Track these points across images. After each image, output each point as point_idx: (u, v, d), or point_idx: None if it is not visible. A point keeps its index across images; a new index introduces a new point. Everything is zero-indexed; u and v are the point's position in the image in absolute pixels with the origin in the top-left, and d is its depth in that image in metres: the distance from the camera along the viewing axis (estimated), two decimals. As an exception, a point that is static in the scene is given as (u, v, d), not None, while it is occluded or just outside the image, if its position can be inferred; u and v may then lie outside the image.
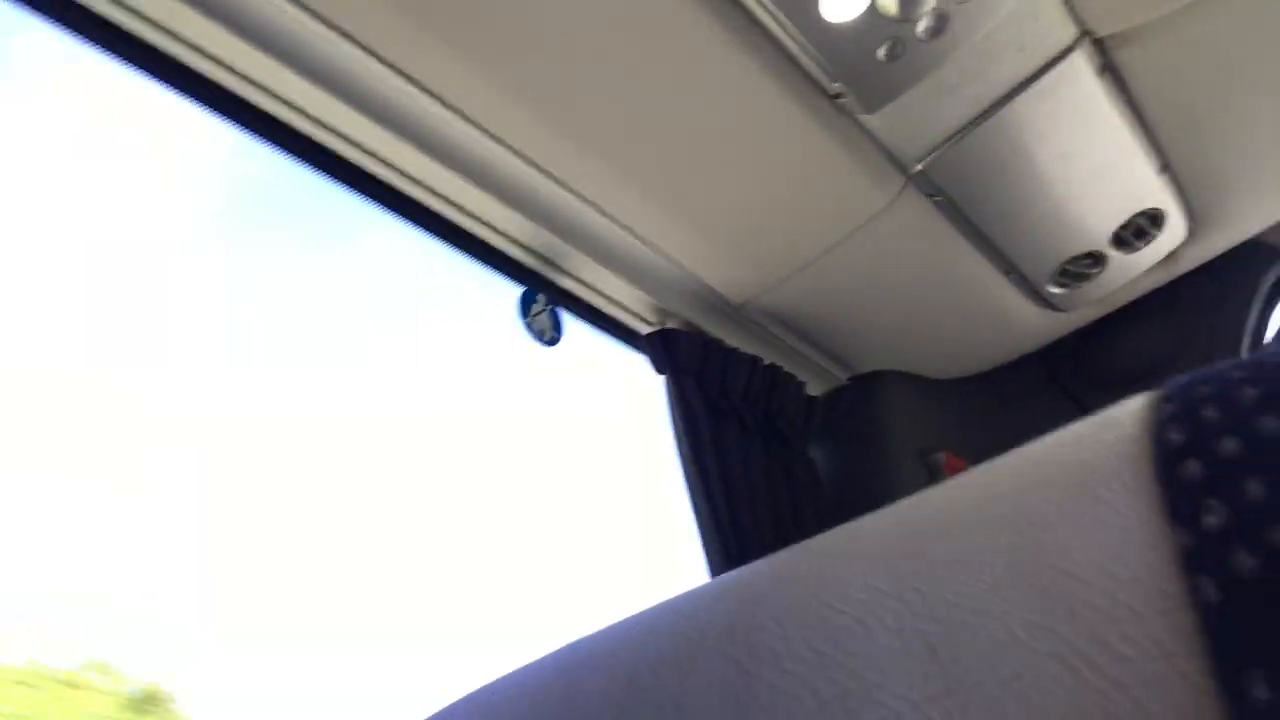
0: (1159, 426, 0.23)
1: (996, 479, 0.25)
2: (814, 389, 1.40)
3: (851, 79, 0.92)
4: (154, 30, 0.85)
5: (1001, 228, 1.15)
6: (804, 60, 0.91)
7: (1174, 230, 1.22)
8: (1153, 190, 1.15)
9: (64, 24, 0.83)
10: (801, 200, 1.07)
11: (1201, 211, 1.23)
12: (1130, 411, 0.24)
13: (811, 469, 1.31)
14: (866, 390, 1.41)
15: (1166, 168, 1.14)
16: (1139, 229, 1.21)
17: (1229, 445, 0.21)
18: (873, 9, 0.85)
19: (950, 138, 1.02)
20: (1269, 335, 1.54)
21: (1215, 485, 0.20)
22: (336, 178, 1.01)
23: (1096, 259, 1.23)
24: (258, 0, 0.82)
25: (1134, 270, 1.26)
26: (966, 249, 1.18)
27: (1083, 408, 1.50)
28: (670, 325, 1.23)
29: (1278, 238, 1.47)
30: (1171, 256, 1.29)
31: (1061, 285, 1.26)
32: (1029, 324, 1.35)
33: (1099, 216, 1.16)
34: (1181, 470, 0.21)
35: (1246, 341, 1.51)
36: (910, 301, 1.27)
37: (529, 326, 1.10)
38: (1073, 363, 1.51)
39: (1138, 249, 1.22)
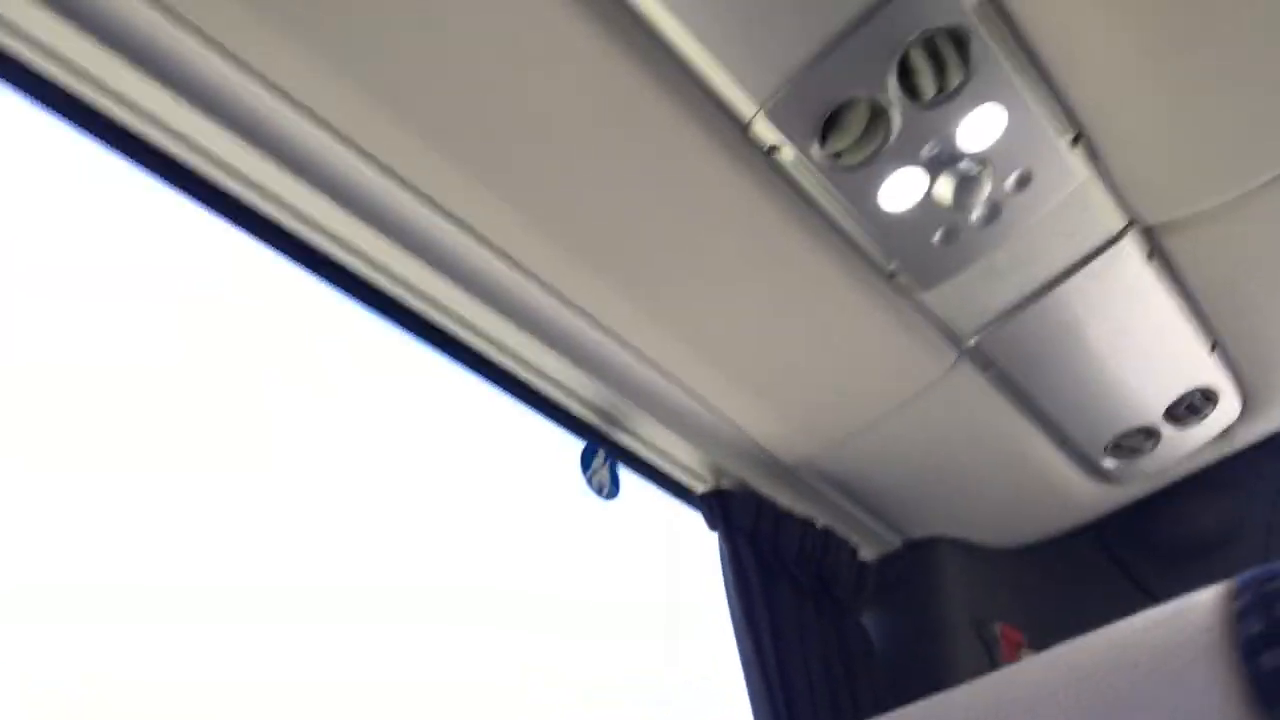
0: (1236, 618, 0.26)
1: (1080, 659, 0.29)
2: (868, 553, 1.42)
3: (907, 260, 0.99)
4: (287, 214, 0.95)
5: (1054, 402, 1.19)
6: (862, 242, 0.98)
7: (1227, 408, 1.26)
8: (1204, 369, 1.19)
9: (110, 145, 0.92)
10: (857, 369, 1.13)
11: (1254, 390, 1.26)
12: (1205, 601, 0.28)
13: (864, 634, 1.32)
14: (920, 557, 1.42)
15: (1217, 347, 1.19)
16: (1192, 406, 1.24)
17: None
18: (928, 199, 0.92)
19: (1003, 315, 1.08)
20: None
21: None
22: (416, 334, 1.08)
23: (1150, 434, 1.26)
24: (362, 178, 0.91)
25: (1188, 446, 1.29)
26: (1020, 421, 1.22)
27: (1135, 581, 1.50)
28: (725, 484, 1.27)
29: (1335, 417, 1.49)
30: (1226, 434, 1.32)
31: (1115, 459, 1.29)
32: (1083, 496, 1.37)
33: (1151, 393, 1.20)
34: (1261, 661, 0.25)
35: (1307, 521, 1.52)
36: (964, 470, 1.31)
37: (589, 481, 1.15)
38: (1126, 535, 1.51)
39: (1191, 425, 1.26)
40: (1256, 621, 0.26)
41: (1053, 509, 1.40)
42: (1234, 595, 0.27)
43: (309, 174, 0.92)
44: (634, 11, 0.81)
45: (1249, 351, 1.20)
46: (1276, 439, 1.41)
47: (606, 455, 1.18)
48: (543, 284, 1.02)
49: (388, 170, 0.90)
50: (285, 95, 0.84)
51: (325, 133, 0.87)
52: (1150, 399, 1.21)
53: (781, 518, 1.26)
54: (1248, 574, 0.27)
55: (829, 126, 0.87)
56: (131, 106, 0.86)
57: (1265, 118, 0.92)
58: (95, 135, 0.88)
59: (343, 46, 0.80)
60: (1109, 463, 1.30)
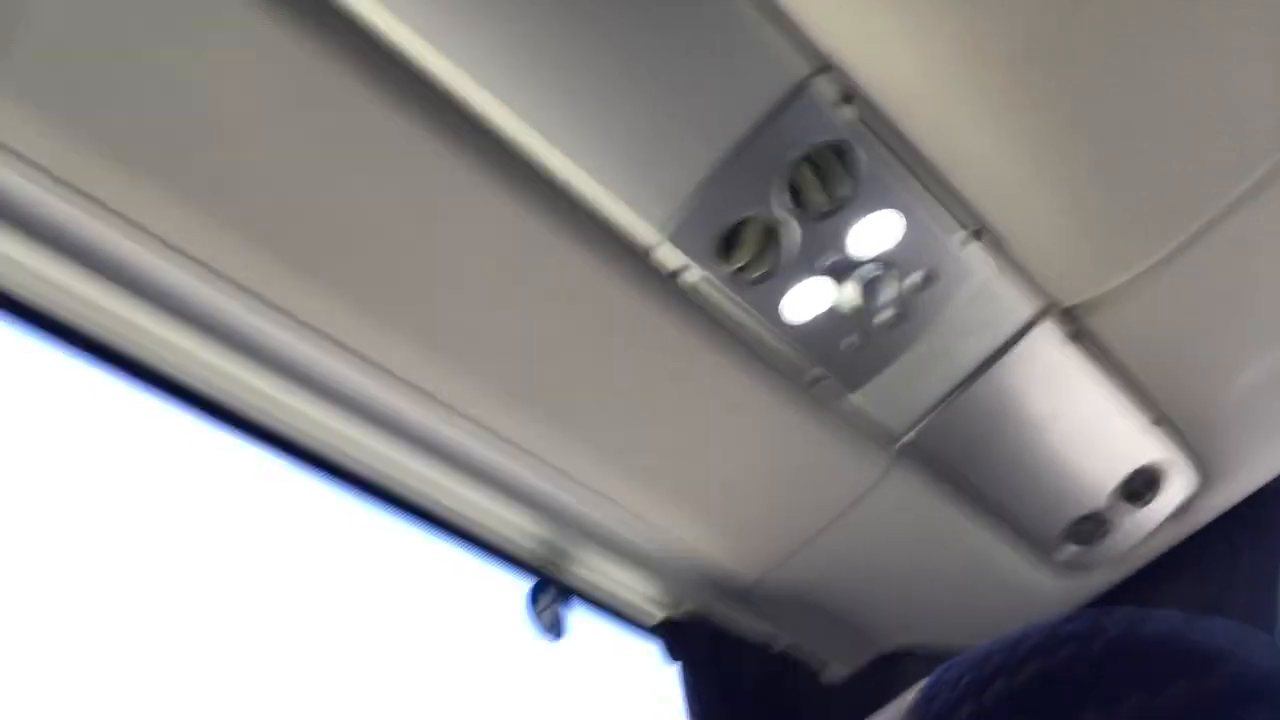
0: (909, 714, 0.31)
1: None
2: (840, 670, 1.41)
3: (827, 365, 1.03)
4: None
5: (999, 493, 1.21)
6: (779, 353, 1.02)
7: (1181, 483, 1.28)
8: (1149, 445, 1.22)
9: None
10: (794, 480, 1.15)
11: (1209, 461, 1.29)
12: (903, 700, 0.32)
13: (841, 759, 1.30)
14: (891, 670, 1.42)
15: (1161, 420, 1.22)
16: (1144, 484, 1.27)
17: None
18: (834, 306, 0.96)
19: (931, 410, 1.11)
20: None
21: None
22: (344, 485, 1.10)
23: (1103, 518, 1.28)
24: (232, 310, 0.93)
25: (1146, 526, 1.31)
26: (968, 517, 1.24)
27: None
28: (681, 613, 1.27)
29: (1301, 480, 1.52)
30: (1186, 509, 1.34)
31: (1073, 547, 1.31)
32: (1049, 590, 1.38)
33: (1097, 475, 1.23)
34: None
35: (1287, 591, 1.53)
36: (922, 573, 1.32)
37: (537, 621, 1.15)
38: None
39: (1145, 505, 1.28)
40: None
41: (1020, 606, 1.40)
42: (910, 716, 0.32)
43: (233, 338, 0.96)
44: (526, 157, 0.86)
45: (1194, 422, 1.23)
46: (1246, 510, 1.43)
47: (555, 593, 1.19)
48: (473, 422, 1.05)
49: (298, 320, 0.94)
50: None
51: (240, 294, 0.90)
52: (1098, 481, 1.23)
53: (742, 643, 1.26)
54: (929, 681, 0.32)
55: (729, 244, 0.92)
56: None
57: (1157, 192, 0.98)
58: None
59: (240, 206, 0.85)
60: (1068, 552, 1.31)
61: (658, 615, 1.28)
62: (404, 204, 0.87)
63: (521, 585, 1.18)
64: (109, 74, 0.76)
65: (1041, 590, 1.39)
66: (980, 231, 0.99)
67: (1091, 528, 1.30)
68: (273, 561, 1.19)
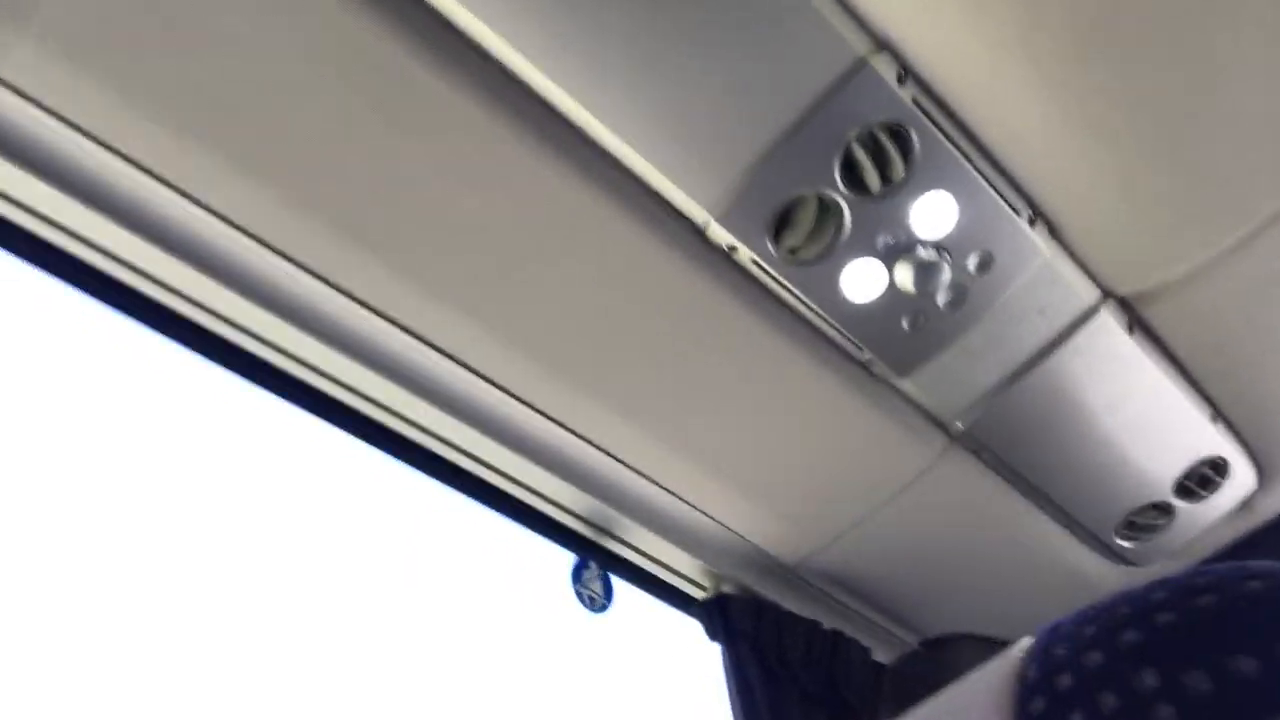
0: (1023, 698, 0.31)
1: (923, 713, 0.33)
2: (882, 655, 1.43)
3: (880, 349, 1.04)
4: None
5: (1054, 481, 1.21)
6: (833, 334, 1.03)
7: (1241, 478, 1.27)
8: (1208, 439, 1.21)
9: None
10: (846, 462, 1.16)
11: (1269, 458, 1.28)
12: (997, 675, 0.32)
13: (884, 742, 1.32)
14: (939, 657, 1.42)
15: (1219, 415, 1.21)
16: (1204, 478, 1.26)
17: (1064, 680, 0.29)
18: (890, 287, 0.97)
19: (987, 397, 1.11)
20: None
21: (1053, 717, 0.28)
22: (404, 459, 1.13)
23: (1163, 510, 1.28)
24: (315, 298, 0.97)
25: (1205, 520, 1.30)
26: (1022, 504, 1.24)
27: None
28: (725, 590, 1.29)
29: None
30: (1246, 505, 1.33)
31: (1130, 539, 1.30)
32: (1103, 580, 1.38)
33: (1156, 467, 1.22)
34: (1032, 706, 0.29)
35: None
36: (973, 560, 1.32)
37: (580, 594, 1.18)
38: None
39: (1205, 499, 1.27)
40: (1040, 699, 0.29)
41: (1073, 596, 1.40)
42: (1022, 669, 0.31)
43: (297, 316, 0.99)
44: (585, 136, 0.88)
45: (1254, 418, 1.22)
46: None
47: (599, 566, 1.21)
48: (524, 402, 1.07)
49: (368, 305, 0.97)
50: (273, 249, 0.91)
51: (304, 275, 0.94)
52: (1155, 473, 1.23)
53: (785, 621, 1.27)
54: (1040, 635, 0.31)
55: (783, 224, 0.94)
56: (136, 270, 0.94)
57: (1219, 183, 0.97)
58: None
59: (313, 187, 0.88)
60: (1124, 543, 1.31)
61: (702, 592, 1.30)
62: (458, 179, 0.89)
63: (567, 559, 1.21)
64: (147, 33, 0.78)
65: (1098, 581, 1.38)
66: (1036, 217, 0.99)
67: (1150, 520, 1.30)
68: (328, 530, 1.23)
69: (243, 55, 0.80)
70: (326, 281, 0.95)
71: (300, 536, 1.22)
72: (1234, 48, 0.85)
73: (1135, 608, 0.32)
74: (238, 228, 0.89)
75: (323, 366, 1.04)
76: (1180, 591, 0.32)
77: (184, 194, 0.86)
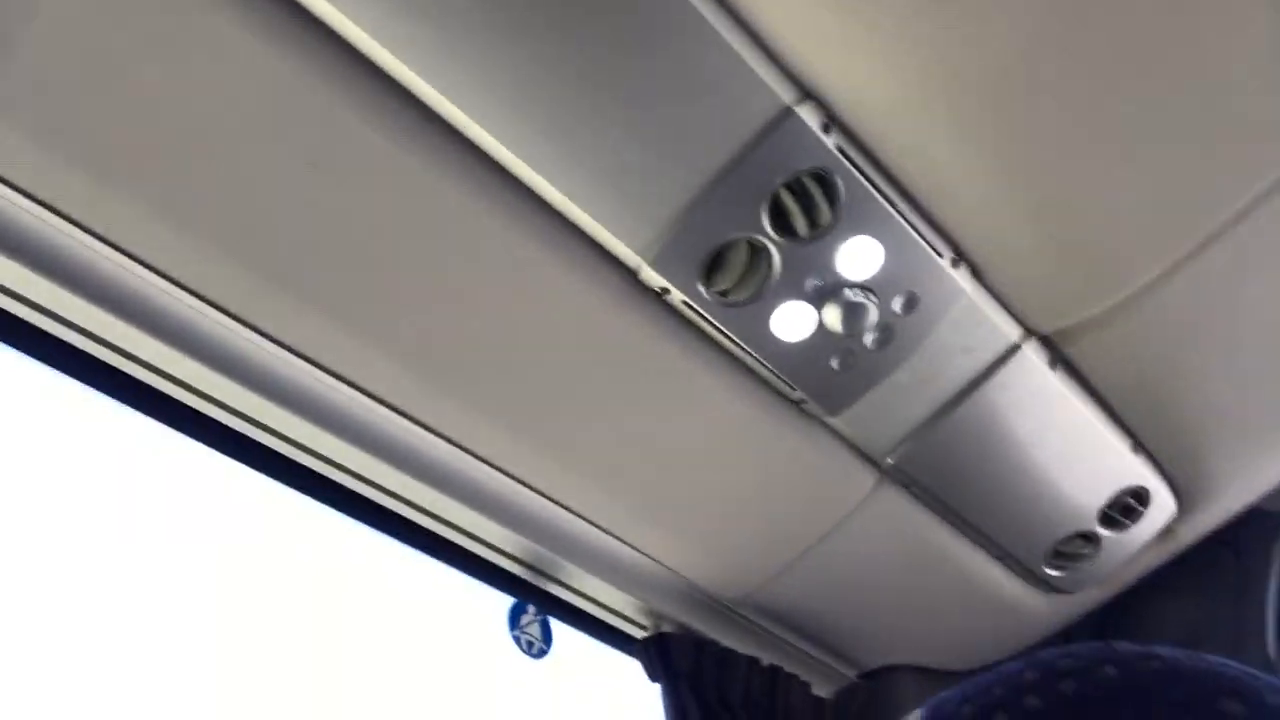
0: None
1: None
2: (821, 688, 1.44)
3: (810, 388, 1.06)
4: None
5: (983, 515, 1.24)
6: (764, 374, 1.05)
7: (1162, 506, 1.31)
8: (1130, 468, 1.25)
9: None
10: (780, 499, 1.18)
11: (1187, 485, 1.32)
12: None
13: (825, 777, 1.33)
14: (877, 688, 1.45)
15: (1140, 446, 1.25)
16: (1126, 507, 1.30)
17: None
18: (819, 328, 0.99)
19: (916, 433, 1.14)
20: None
21: None
22: (329, 502, 1.13)
23: (1089, 539, 1.32)
24: (224, 333, 0.96)
25: (1130, 547, 1.34)
26: (953, 537, 1.27)
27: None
28: (665, 629, 1.30)
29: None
30: (1168, 533, 1.38)
31: (1059, 568, 1.34)
32: (1036, 610, 1.41)
33: (1081, 497, 1.26)
34: None
35: (1272, 615, 1.56)
36: (907, 593, 1.35)
37: (518, 639, 1.18)
38: (1087, 647, 1.55)
39: (1128, 527, 1.31)
40: None
41: (1007, 625, 1.44)
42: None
43: (216, 359, 0.98)
44: (516, 182, 0.89)
45: (1172, 448, 1.27)
46: (1225, 533, 1.46)
47: (537, 610, 1.21)
48: (454, 443, 1.08)
49: (295, 350, 0.97)
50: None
51: (227, 318, 0.93)
52: (1080, 504, 1.26)
53: (725, 658, 1.28)
54: (924, 712, 0.34)
55: (715, 267, 0.96)
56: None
57: (1134, 224, 1.01)
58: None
59: (223, 223, 0.88)
60: (1052, 572, 1.34)
61: (642, 632, 1.31)
62: (389, 222, 0.90)
63: (504, 601, 1.21)
64: (91, 93, 0.78)
65: (1029, 610, 1.42)
66: (959, 259, 1.02)
67: (1077, 550, 1.33)
68: (263, 575, 1.21)
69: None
70: (253, 327, 0.95)
71: (237, 582, 1.20)
72: (1145, 93, 0.89)
73: (1007, 689, 0.35)
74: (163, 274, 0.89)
75: (254, 414, 1.04)
76: (1046, 675, 0.35)
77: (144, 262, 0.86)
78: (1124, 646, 0.42)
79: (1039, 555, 1.32)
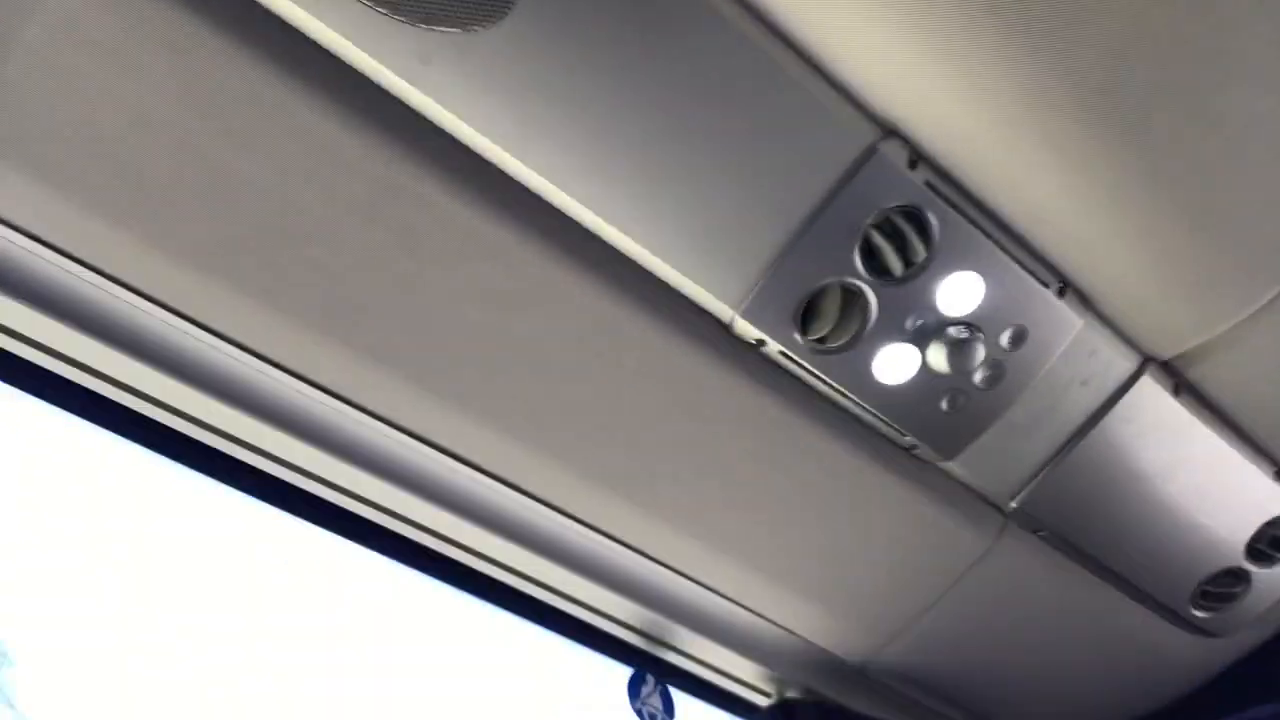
0: None
1: None
2: (962, 752, 1.38)
3: (921, 431, 1.03)
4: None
5: (1119, 554, 1.18)
6: (872, 421, 1.02)
7: (1316, 536, 1.23)
8: (1274, 497, 1.17)
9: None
10: (900, 551, 1.14)
11: (1342, 512, 1.24)
12: None
13: (973, 847, 1.26)
14: (1021, 749, 1.37)
15: (1282, 472, 1.18)
16: (1276, 539, 1.22)
17: None
18: (925, 369, 0.97)
19: (1038, 473, 1.10)
20: None
21: None
22: (454, 581, 1.14)
23: (1238, 576, 1.24)
24: (358, 429, 0.99)
25: (1284, 584, 1.26)
26: (1089, 580, 1.21)
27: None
28: (789, 695, 1.26)
29: None
30: (1326, 564, 1.28)
31: (1207, 609, 1.26)
32: (1185, 655, 1.33)
33: (1223, 531, 1.18)
34: None
35: None
36: (1045, 645, 1.28)
37: (640, 711, 1.15)
38: (1248, 690, 1.44)
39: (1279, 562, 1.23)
40: None
41: (1156, 674, 1.35)
42: None
43: (341, 447, 1.01)
44: (604, 243, 0.90)
45: (1320, 472, 1.19)
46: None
47: (657, 680, 1.19)
48: (570, 515, 1.07)
49: (409, 431, 0.99)
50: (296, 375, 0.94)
51: (347, 406, 0.96)
52: (1223, 538, 1.19)
53: (856, 724, 1.24)
54: None
55: (809, 314, 0.94)
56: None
57: (1248, 239, 0.97)
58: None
59: (345, 319, 0.90)
60: (1201, 614, 1.26)
61: (765, 699, 1.27)
62: (487, 300, 0.91)
63: (624, 673, 1.19)
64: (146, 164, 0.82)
65: (1178, 656, 1.33)
66: (1066, 288, 0.99)
67: (1226, 588, 1.25)
68: (387, 653, 1.22)
69: (266, 200, 0.83)
70: (364, 409, 0.97)
71: (360, 662, 1.21)
72: (1243, 103, 0.86)
73: None
74: (261, 357, 0.92)
75: (370, 496, 1.06)
76: None
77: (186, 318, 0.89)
78: None
79: (1184, 596, 1.24)
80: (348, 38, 0.77)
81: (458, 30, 0.76)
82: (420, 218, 0.86)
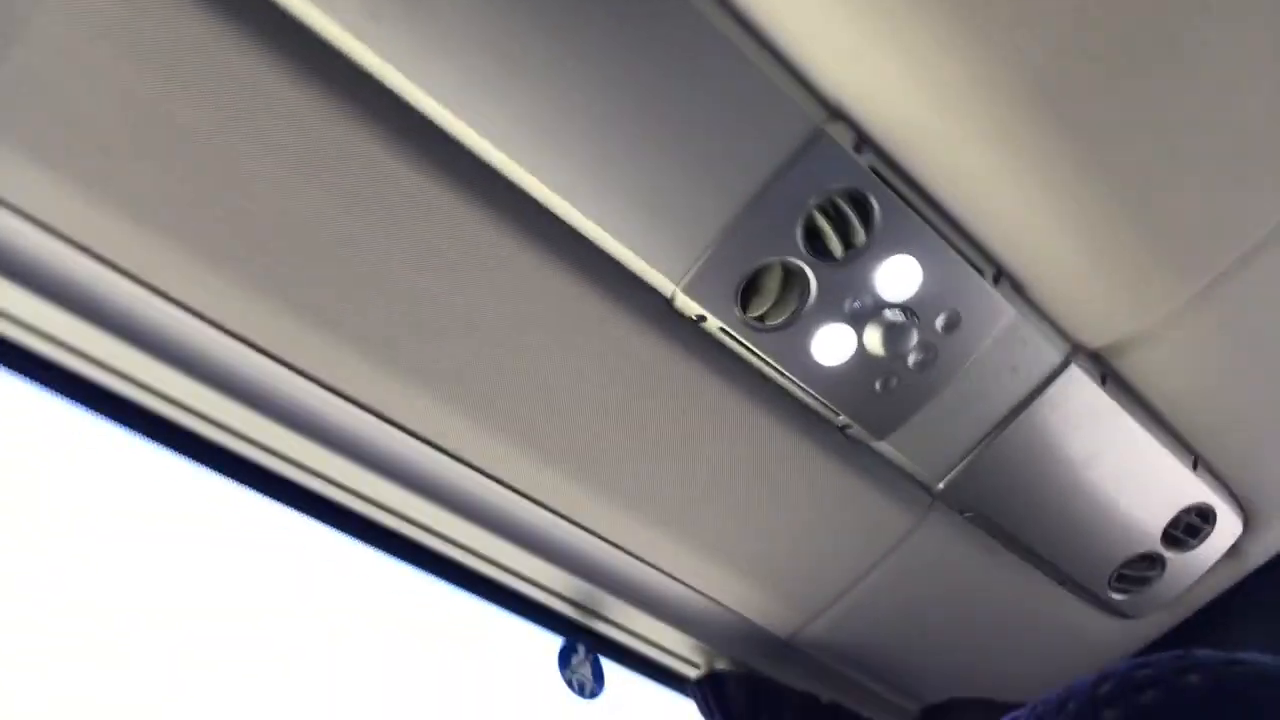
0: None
1: None
2: (885, 724, 1.41)
3: (855, 411, 1.05)
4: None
5: (1042, 536, 1.21)
6: (807, 400, 1.04)
7: (1228, 524, 1.28)
8: (1191, 486, 1.22)
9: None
10: (831, 528, 1.16)
11: (1252, 502, 1.28)
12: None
13: (891, 817, 1.30)
14: (941, 722, 1.41)
15: (1200, 462, 1.22)
16: (1191, 526, 1.26)
17: None
18: (860, 350, 0.99)
19: (966, 455, 1.12)
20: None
21: None
22: (376, 543, 1.13)
23: (1154, 561, 1.28)
24: (284, 387, 0.97)
25: (1196, 569, 1.30)
26: (1012, 561, 1.24)
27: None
28: (719, 667, 1.28)
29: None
30: (1235, 551, 1.33)
31: (1124, 591, 1.30)
32: (1103, 635, 1.37)
33: (1142, 517, 1.23)
34: None
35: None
36: (968, 622, 1.32)
37: (570, 680, 1.16)
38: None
39: (1193, 547, 1.27)
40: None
41: (1074, 653, 1.39)
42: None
43: (261, 403, 1.00)
44: (548, 212, 0.90)
45: (1235, 463, 1.23)
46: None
47: (588, 650, 1.20)
48: (498, 479, 1.07)
49: (344, 394, 0.98)
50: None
51: (280, 367, 0.95)
52: (1142, 524, 1.23)
53: (782, 696, 1.26)
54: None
55: (750, 291, 0.95)
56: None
57: (1179, 233, 1.00)
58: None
59: (286, 278, 0.89)
60: (1118, 596, 1.30)
61: (694, 670, 1.29)
62: (431, 267, 0.91)
63: (555, 642, 1.20)
64: (116, 128, 0.80)
65: (1095, 636, 1.38)
66: (1001, 275, 1.01)
67: (1142, 572, 1.30)
68: (305, 615, 1.21)
69: (202, 148, 0.82)
70: (303, 373, 0.96)
71: (278, 624, 1.20)
72: (1180, 103, 0.88)
73: (1081, 704, 0.34)
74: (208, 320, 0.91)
75: (299, 457, 1.05)
76: (1124, 686, 0.34)
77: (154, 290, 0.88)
78: (1205, 654, 0.40)
79: (1102, 578, 1.28)
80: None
81: (407, -10, 0.76)
82: (362, 177, 0.86)
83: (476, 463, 1.05)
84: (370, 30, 0.78)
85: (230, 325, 0.92)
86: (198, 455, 1.03)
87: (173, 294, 0.89)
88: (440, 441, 1.03)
